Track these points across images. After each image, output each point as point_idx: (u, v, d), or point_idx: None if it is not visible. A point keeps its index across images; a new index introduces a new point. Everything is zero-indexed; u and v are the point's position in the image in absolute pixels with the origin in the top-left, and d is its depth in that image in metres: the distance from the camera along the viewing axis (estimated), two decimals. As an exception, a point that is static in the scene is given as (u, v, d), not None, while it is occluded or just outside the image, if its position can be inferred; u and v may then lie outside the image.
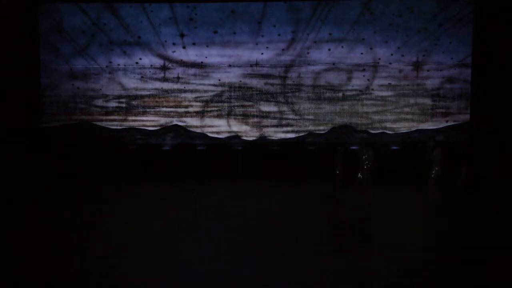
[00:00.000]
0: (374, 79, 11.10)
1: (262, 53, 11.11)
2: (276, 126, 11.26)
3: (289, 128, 11.25)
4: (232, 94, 11.24)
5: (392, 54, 11.01)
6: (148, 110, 11.27)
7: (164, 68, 11.20)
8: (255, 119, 11.27)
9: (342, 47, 11.03)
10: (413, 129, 11.11)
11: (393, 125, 11.14)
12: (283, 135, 11.26)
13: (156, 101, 11.26)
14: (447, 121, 11.10)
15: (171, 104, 11.27)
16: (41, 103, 11.12)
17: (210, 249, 6.12)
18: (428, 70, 11.05)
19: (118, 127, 11.25)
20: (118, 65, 11.18)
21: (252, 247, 6.21)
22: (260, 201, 8.82)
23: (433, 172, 8.03)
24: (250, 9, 11.00)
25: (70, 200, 8.99)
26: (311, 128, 11.22)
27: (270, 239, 6.55)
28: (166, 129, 11.29)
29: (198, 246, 6.26)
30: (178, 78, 11.23)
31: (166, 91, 11.25)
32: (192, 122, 11.29)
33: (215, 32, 11.08)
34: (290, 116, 11.24)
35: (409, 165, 9.57)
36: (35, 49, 10.94)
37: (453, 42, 10.92)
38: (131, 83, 11.24)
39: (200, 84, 11.25)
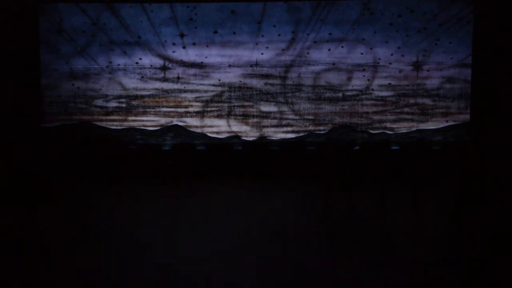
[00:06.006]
0: (374, 79, 11.10)
1: (262, 53, 11.12)
2: (276, 126, 11.27)
3: (289, 128, 11.25)
4: (232, 94, 11.25)
5: (392, 54, 11.02)
6: (148, 110, 11.27)
7: (164, 68, 11.20)
8: (255, 119, 11.27)
9: (342, 47, 11.03)
10: (413, 129, 11.12)
11: (393, 125, 11.14)
12: (283, 135, 11.26)
13: (156, 101, 11.26)
14: (447, 121, 11.10)
15: (171, 104, 11.27)
16: (41, 103, 11.12)
17: (210, 249, 6.12)
18: (428, 70, 11.05)
19: (118, 127, 11.25)
20: (118, 65, 11.18)
21: (252, 247, 6.21)
22: (260, 201, 8.82)
23: None
24: (250, 9, 11.01)
25: (70, 200, 8.99)
26: (311, 128, 11.23)
27: (270, 239, 6.55)
28: (166, 129, 11.30)
29: (198, 246, 6.26)
30: (178, 78, 11.23)
31: (166, 91, 11.25)
32: (192, 122, 11.30)
33: (215, 32, 11.09)
34: (290, 116, 11.24)
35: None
36: (35, 49, 10.94)
37: (453, 42, 10.92)
38: (131, 83, 11.24)
39: (200, 84, 11.26)
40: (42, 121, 11.13)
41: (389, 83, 11.12)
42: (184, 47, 11.15)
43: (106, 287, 5.07)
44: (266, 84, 11.22)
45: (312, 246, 6.28)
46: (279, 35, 11.05)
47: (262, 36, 11.07)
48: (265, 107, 11.25)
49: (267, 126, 11.27)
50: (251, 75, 11.22)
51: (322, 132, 11.22)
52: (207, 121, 11.29)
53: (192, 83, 11.25)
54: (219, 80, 11.23)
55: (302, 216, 7.76)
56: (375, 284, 5.08)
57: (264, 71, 11.18)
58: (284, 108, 11.23)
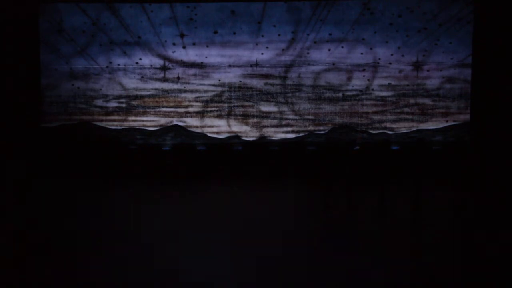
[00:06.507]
0: (374, 79, 11.10)
1: (262, 53, 11.12)
2: (276, 126, 11.27)
3: (289, 128, 11.25)
4: (232, 94, 11.25)
5: (392, 54, 11.02)
6: (148, 110, 11.27)
7: (164, 68, 11.20)
8: (255, 119, 11.27)
9: (342, 47, 11.03)
10: (413, 129, 11.12)
11: (393, 125, 11.14)
12: (283, 135, 11.26)
13: (156, 101, 11.26)
14: (447, 121, 11.10)
15: (171, 104, 11.27)
16: (41, 103, 11.12)
17: (210, 249, 6.12)
18: (428, 70, 11.05)
19: (118, 127, 11.25)
20: (118, 65, 11.18)
21: (252, 247, 6.20)
22: (260, 201, 8.82)
23: None
24: (250, 9, 11.01)
25: (69, 200, 8.99)
26: (311, 128, 11.23)
27: (270, 239, 6.55)
28: (166, 129, 11.30)
29: (197, 246, 6.26)
30: (178, 78, 11.23)
31: (166, 91, 11.25)
32: (192, 122, 11.30)
33: (215, 32, 11.09)
34: (290, 116, 11.24)
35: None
36: (35, 49, 10.94)
37: (453, 42, 10.92)
38: (131, 83, 11.24)
39: (200, 84, 11.26)
40: (42, 121, 11.13)
41: (389, 83, 11.12)
42: (184, 47, 11.15)
43: (106, 287, 5.07)
44: (266, 84, 11.21)
45: (312, 246, 6.28)
46: (279, 35, 11.05)
47: (262, 36, 11.07)
48: (265, 107, 11.25)
49: (267, 126, 11.27)
50: (251, 75, 11.22)
51: (322, 132, 11.21)
52: (207, 121, 11.29)
53: (192, 83, 11.25)
54: (219, 80, 11.23)
55: (302, 216, 7.76)
56: (375, 284, 5.08)
57: (264, 71, 11.18)
58: (284, 108, 11.23)
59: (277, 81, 11.19)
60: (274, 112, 11.25)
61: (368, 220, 7.49)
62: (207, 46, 11.13)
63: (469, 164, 8.28)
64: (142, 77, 11.22)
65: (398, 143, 10.93)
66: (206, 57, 11.18)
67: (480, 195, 8.72)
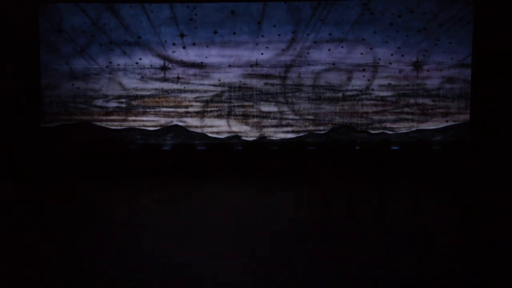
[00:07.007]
0: (374, 79, 11.10)
1: (262, 53, 11.12)
2: (276, 126, 11.27)
3: (289, 128, 11.25)
4: (232, 94, 11.25)
5: (392, 54, 11.02)
6: (148, 110, 11.27)
7: (164, 68, 11.20)
8: (255, 119, 11.27)
9: (342, 47, 11.03)
10: (413, 129, 11.12)
11: (393, 125, 11.14)
12: (283, 135, 11.26)
13: (156, 101, 11.26)
14: (447, 121, 11.10)
15: (171, 104, 11.27)
16: (41, 103, 11.12)
17: (210, 249, 6.12)
18: (428, 70, 11.05)
19: (118, 127, 11.25)
20: (118, 65, 11.18)
21: (252, 247, 6.21)
22: (260, 201, 8.82)
23: None
24: (250, 9, 11.01)
25: (69, 200, 8.99)
26: (311, 128, 11.23)
27: (270, 239, 6.55)
28: (166, 129, 11.30)
29: (197, 246, 6.26)
30: (178, 78, 11.23)
31: (166, 91, 11.25)
32: (192, 122, 11.30)
33: (215, 32, 11.09)
34: (290, 116, 11.24)
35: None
36: (35, 49, 10.94)
37: (453, 42, 10.92)
38: (131, 83, 11.24)
39: (200, 84, 11.26)
40: (42, 121, 11.13)
41: (389, 83, 11.12)
42: (184, 47, 11.15)
43: (106, 287, 5.07)
44: (266, 84, 11.22)
45: (312, 246, 6.28)
46: (279, 35, 11.05)
47: (262, 36, 11.07)
48: (265, 107, 11.25)
49: (267, 126, 11.27)
50: (251, 75, 11.22)
51: (322, 132, 11.21)
52: (207, 121, 11.29)
53: (192, 83, 11.25)
54: (219, 80, 11.24)
55: (302, 216, 7.76)
56: (375, 284, 5.08)
57: (264, 71, 11.18)
58: (284, 108, 11.23)
59: (277, 81, 11.19)
60: (274, 112, 11.25)
61: (368, 220, 7.49)
62: (207, 46, 11.13)
63: (469, 164, 8.28)
64: (142, 77, 11.22)
65: (398, 143, 10.92)
66: (206, 57, 11.18)
67: (480, 195, 8.71)
